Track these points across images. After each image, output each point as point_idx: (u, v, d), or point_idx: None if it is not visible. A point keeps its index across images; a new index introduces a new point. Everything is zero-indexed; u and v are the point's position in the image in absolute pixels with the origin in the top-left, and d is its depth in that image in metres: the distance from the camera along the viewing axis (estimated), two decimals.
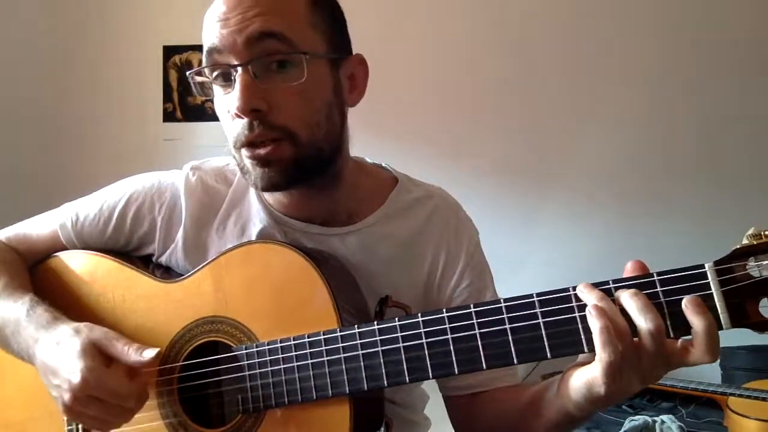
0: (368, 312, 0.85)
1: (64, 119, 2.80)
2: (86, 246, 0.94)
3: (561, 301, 0.68)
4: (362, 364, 0.74)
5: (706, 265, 0.64)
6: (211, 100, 0.84)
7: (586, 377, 0.68)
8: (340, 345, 0.75)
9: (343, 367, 0.75)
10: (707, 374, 1.90)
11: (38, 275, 0.95)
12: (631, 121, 2.51)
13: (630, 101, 2.51)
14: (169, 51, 2.76)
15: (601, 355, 0.64)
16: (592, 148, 2.54)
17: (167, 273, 0.92)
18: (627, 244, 2.44)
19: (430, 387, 0.95)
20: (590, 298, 0.66)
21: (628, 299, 0.65)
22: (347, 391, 0.75)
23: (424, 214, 0.93)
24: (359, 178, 0.93)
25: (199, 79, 0.83)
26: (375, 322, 0.75)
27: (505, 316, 0.70)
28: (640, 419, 1.80)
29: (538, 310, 0.69)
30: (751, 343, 2.06)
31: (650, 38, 2.51)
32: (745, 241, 0.64)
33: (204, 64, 0.81)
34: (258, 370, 0.79)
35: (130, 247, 0.94)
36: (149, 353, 0.76)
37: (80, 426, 0.87)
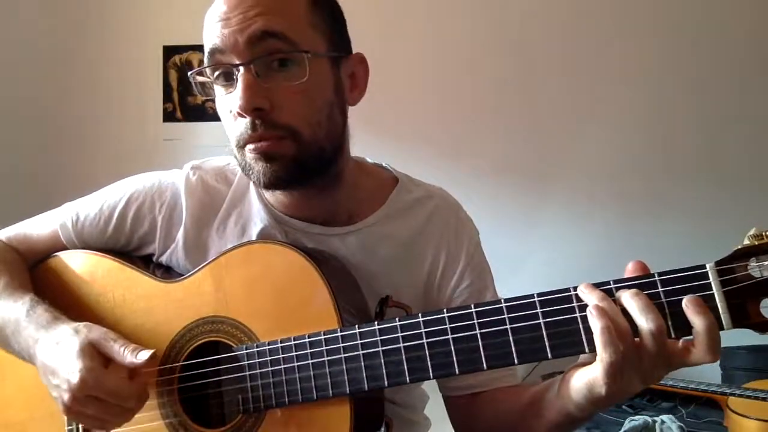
0: (369, 312, 0.85)
1: (64, 119, 2.80)
2: (86, 246, 0.94)
3: (562, 302, 0.68)
4: (363, 364, 0.74)
5: (708, 266, 0.64)
6: (212, 100, 0.84)
7: (587, 378, 0.68)
8: (341, 345, 0.75)
9: (344, 367, 0.75)
10: (707, 374, 1.90)
11: (38, 275, 0.94)
12: (631, 121, 2.51)
13: (630, 101, 2.51)
14: (169, 51, 2.76)
15: (602, 356, 0.64)
16: (592, 148, 2.54)
17: (167, 273, 0.92)
18: (627, 244, 2.44)
19: (430, 387, 0.95)
20: (591, 298, 0.66)
21: (629, 299, 0.65)
22: (348, 391, 0.75)
23: (424, 214, 0.93)
24: (360, 178, 0.93)
25: (200, 79, 0.83)
26: (375, 322, 0.75)
27: (505, 316, 0.70)
28: (640, 419, 1.80)
29: (539, 311, 0.69)
30: (752, 343, 2.06)
31: (650, 38, 2.51)
32: (746, 242, 0.64)
33: (205, 63, 0.81)
34: (258, 370, 0.79)
35: (130, 246, 0.94)
36: (144, 355, 0.75)
37: (80, 426, 0.87)
